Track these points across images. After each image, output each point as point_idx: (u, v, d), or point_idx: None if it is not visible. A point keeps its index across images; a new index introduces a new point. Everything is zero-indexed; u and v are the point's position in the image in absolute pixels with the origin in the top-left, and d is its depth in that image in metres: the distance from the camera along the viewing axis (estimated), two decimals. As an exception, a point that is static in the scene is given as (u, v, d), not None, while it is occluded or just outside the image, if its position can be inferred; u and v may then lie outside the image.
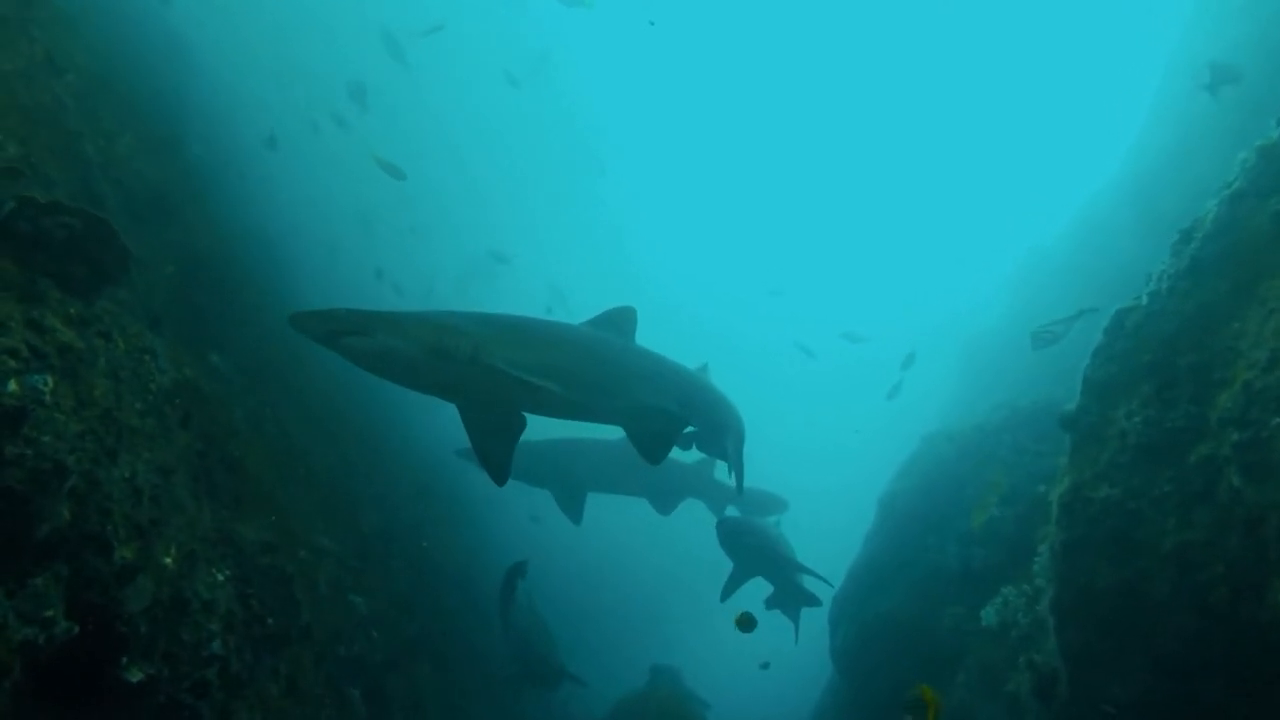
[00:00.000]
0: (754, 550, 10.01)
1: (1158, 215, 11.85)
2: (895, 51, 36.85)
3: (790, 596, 10.71)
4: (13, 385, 3.44)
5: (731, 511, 11.67)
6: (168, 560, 4.51)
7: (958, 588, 9.12)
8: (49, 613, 3.39)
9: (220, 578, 5.11)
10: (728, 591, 10.48)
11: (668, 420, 6.21)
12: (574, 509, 11.63)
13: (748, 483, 8.63)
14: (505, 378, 5.12)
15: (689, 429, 6.77)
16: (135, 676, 3.95)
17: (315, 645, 6.06)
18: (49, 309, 3.97)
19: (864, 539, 12.62)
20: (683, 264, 43.32)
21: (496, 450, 5.78)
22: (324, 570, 7.45)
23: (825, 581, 10.58)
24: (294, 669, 5.47)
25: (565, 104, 32.09)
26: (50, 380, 3.65)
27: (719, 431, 7.55)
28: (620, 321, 6.52)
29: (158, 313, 6.37)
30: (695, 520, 10.56)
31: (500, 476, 5.84)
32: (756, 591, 10.71)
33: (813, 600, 10.78)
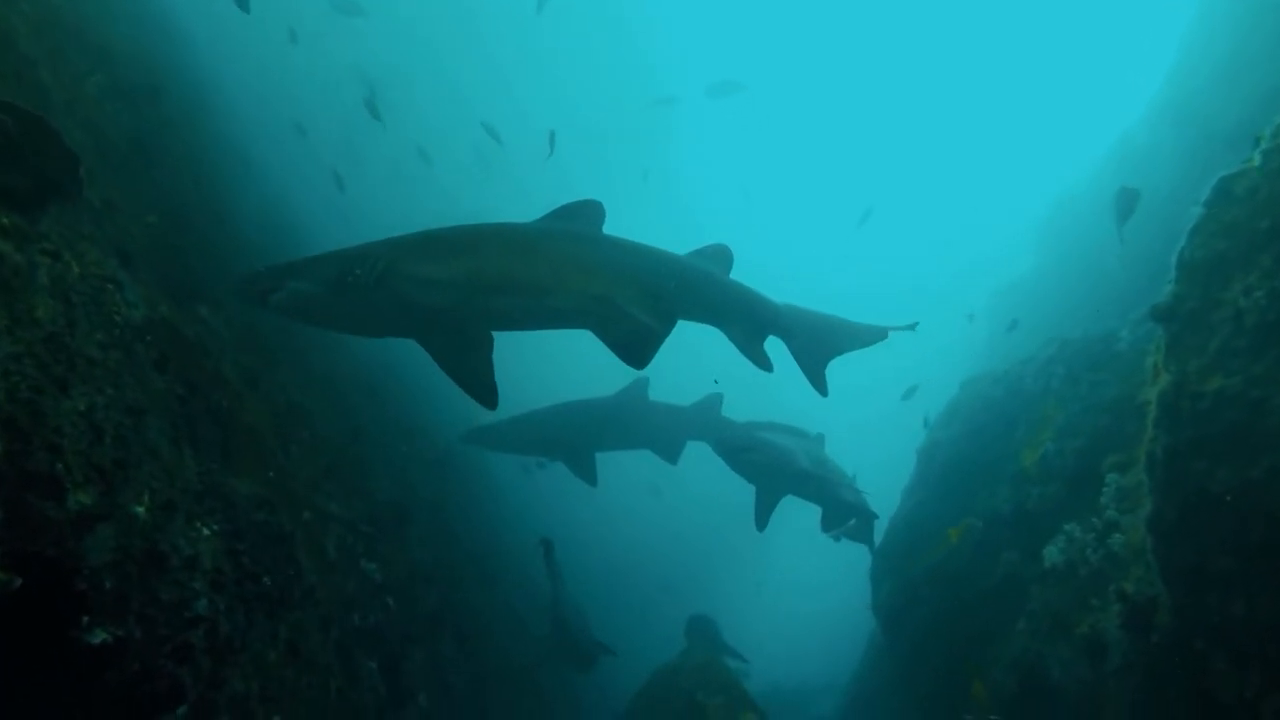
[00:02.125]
0: (763, 467, 9.11)
1: (1209, 135, 11.09)
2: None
3: (840, 514, 9.97)
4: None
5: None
6: (139, 509, 3.95)
7: (1011, 531, 8.51)
8: (-23, 558, 2.82)
9: (206, 532, 4.55)
10: (760, 518, 9.65)
11: (628, 322, 5.27)
12: (586, 472, 11.51)
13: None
14: (410, 295, 4.76)
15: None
16: (99, 638, 3.39)
17: (322, 609, 5.52)
18: (-26, 214, 3.38)
19: (903, 493, 12.05)
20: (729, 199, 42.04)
21: (473, 372, 5.31)
22: (332, 534, 6.91)
23: (862, 498, 9.93)
24: (295, 634, 4.92)
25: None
26: (-30, 288, 3.07)
27: (724, 322, 6.39)
28: (584, 214, 5.75)
29: (130, 252, 5.78)
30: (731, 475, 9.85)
31: (489, 398, 5.38)
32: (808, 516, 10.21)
33: (868, 515, 10.11)
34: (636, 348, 5.42)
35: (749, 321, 6.45)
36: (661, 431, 11.67)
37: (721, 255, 6.57)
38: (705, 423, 11.71)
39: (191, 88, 10.45)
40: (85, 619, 3.41)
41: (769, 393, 11.43)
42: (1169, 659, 4.48)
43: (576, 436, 11.51)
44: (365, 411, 10.69)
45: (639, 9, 32.29)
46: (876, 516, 10.41)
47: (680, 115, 30.68)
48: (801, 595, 30.04)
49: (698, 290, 6.15)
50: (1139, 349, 7.95)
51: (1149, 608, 4.61)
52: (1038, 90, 33.40)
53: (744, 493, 9.84)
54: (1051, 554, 7.15)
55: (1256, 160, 4.56)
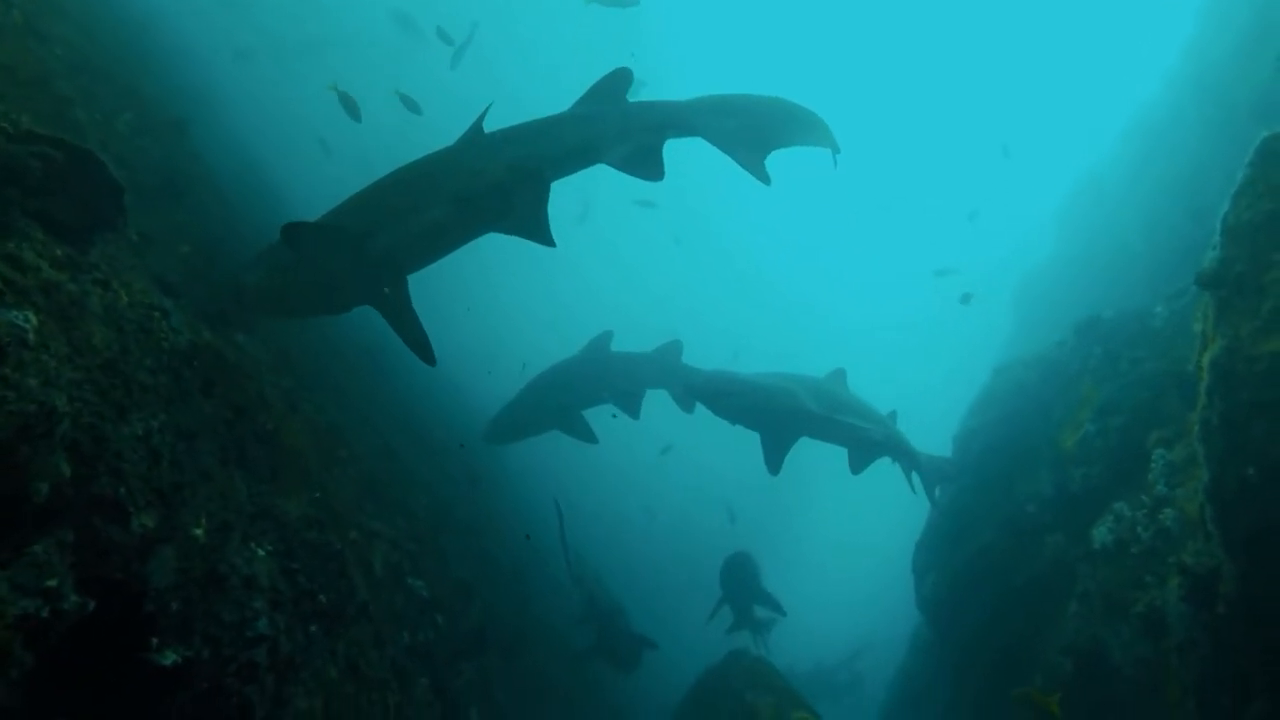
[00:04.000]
0: (749, 410, 8.52)
1: (1231, 105, 10.95)
2: None
3: (869, 453, 9.51)
4: (-15, 322, 2.92)
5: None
6: (198, 531, 4.00)
7: (1055, 514, 8.40)
8: (51, 583, 2.87)
9: (261, 552, 4.59)
10: (770, 462, 8.98)
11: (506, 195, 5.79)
12: (583, 432, 11.89)
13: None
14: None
15: None
16: (169, 660, 3.43)
17: (375, 626, 5.54)
18: (30, 246, 3.45)
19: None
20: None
21: (406, 325, 6.00)
22: (378, 551, 6.95)
23: (897, 435, 9.52)
24: (354, 650, 4.95)
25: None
26: (33, 318, 3.13)
27: (603, 153, 6.28)
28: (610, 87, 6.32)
29: (171, 281, 5.87)
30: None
31: (426, 354, 6.08)
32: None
33: (906, 454, 9.58)
34: (530, 220, 5.91)
35: (633, 135, 6.29)
36: (626, 380, 11.79)
37: (618, 80, 6.32)
38: (664, 370, 11.77)
39: (217, 117, 10.62)
40: (154, 640, 3.45)
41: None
42: (1237, 629, 4.40)
43: (566, 397, 11.78)
44: (395, 431, 10.77)
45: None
46: (916, 460, 9.77)
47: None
48: (845, 557, 29.88)
49: (560, 140, 6.23)
50: (1176, 323, 7.86)
51: (1211, 579, 4.53)
52: (1050, 72, 33.12)
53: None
54: (1100, 534, 7.06)
55: (1303, 121, 4.50)
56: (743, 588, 12.09)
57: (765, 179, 6.43)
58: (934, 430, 12.68)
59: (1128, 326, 8.47)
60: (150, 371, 4.15)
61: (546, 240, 6.01)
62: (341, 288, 6.05)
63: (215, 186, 8.74)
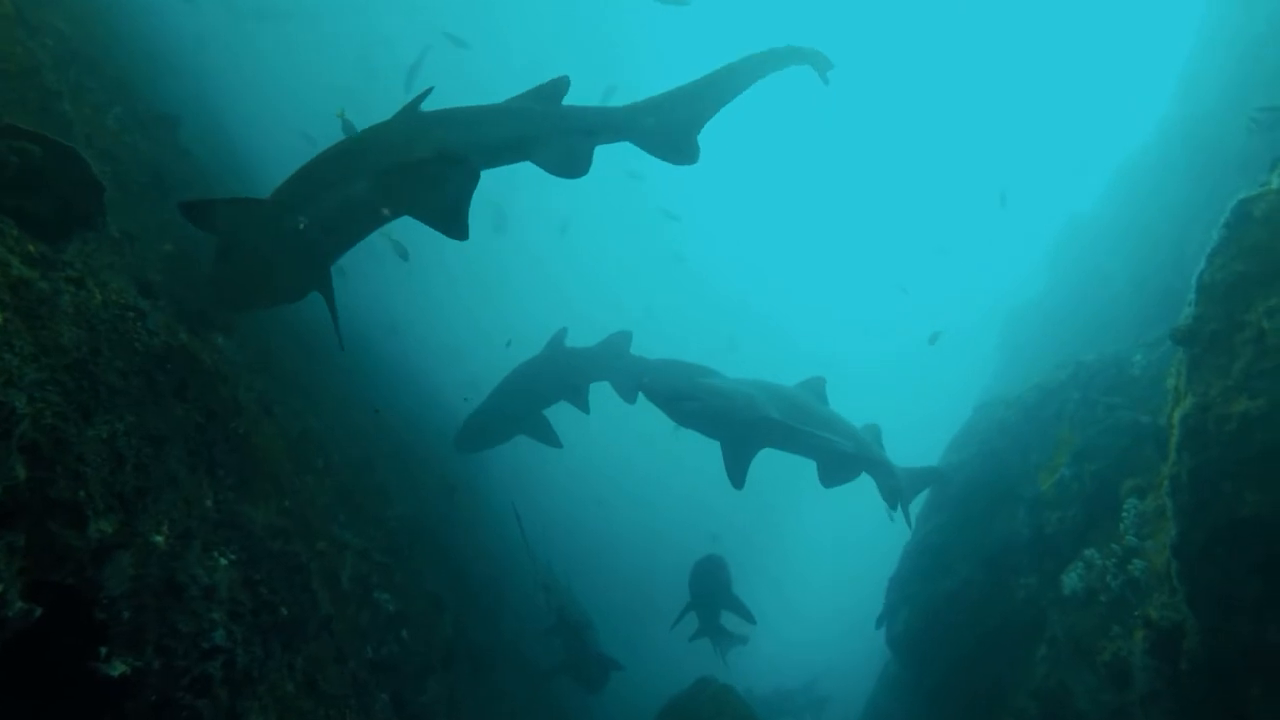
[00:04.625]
0: (707, 416, 7.94)
1: (1217, 152, 11.10)
2: (919, 26, 36.06)
3: (842, 467, 8.93)
4: (-51, 318, 2.87)
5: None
6: (158, 538, 3.93)
7: (1029, 557, 8.40)
8: (-1, 588, 2.80)
9: (224, 562, 4.52)
10: (732, 473, 8.49)
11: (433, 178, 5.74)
12: (548, 436, 12.06)
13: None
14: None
15: None
16: (117, 670, 3.35)
17: (337, 640, 5.46)
18: (1, 242, 3.40)
19: (917, 521, 11.93)
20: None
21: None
22: (346, 564, 6.87)
23: (869, 448, 9.03)
24: (312, 666, 4.87)
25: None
26: (-1, 316, 3.08)
27: (531, 151, 6.20)
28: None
29: (150, 281, 5.82)
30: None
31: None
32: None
33: (870, 459, 9.01)
34: (450, 209, 5.88)
35: (565, 137, 6.27)
36: (578, 376, 11.81)
37: (556, 86, 6.30)
38: (611, 362, 11.71)
39: (207, 114, 10.58)
40: (104, 650, 3.38)
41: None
42: (1199, 686, 4.40)
43: (527, 400, 11.83)
44: (375, 438, 10.69)
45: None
46: (893, 474, 9.27)
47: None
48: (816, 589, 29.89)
49: (494, 130, 6.18)
50: (1153, 372, 7.91)
51: (1175, 634, 4.53)
52: (1046, 112, 33.60)
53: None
54: (1071, 580, 7.06)
55: (1275, 182, 4.55)
56: (712, 593, 11.66)
57: (691, 160, 6.46)
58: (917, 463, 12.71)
59: (1106, 372, 8.52)
60: (121, 373, 4.09)
61: (460, 233, 5.91)
62: (279, 268, 6.06)
63: (203, 184, 8.68)
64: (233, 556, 4.65)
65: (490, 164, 6.14)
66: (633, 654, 14.72)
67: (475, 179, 5.89)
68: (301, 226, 5.57)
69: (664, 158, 6.53)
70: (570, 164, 6.24)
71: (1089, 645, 6.29)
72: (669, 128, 6.42)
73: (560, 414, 12.22)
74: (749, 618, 11.65)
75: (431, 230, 6.08)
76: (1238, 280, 4.39)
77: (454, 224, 5.91)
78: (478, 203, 5.96)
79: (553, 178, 6.35)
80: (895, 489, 9.60)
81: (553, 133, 6.25)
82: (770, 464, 9.35)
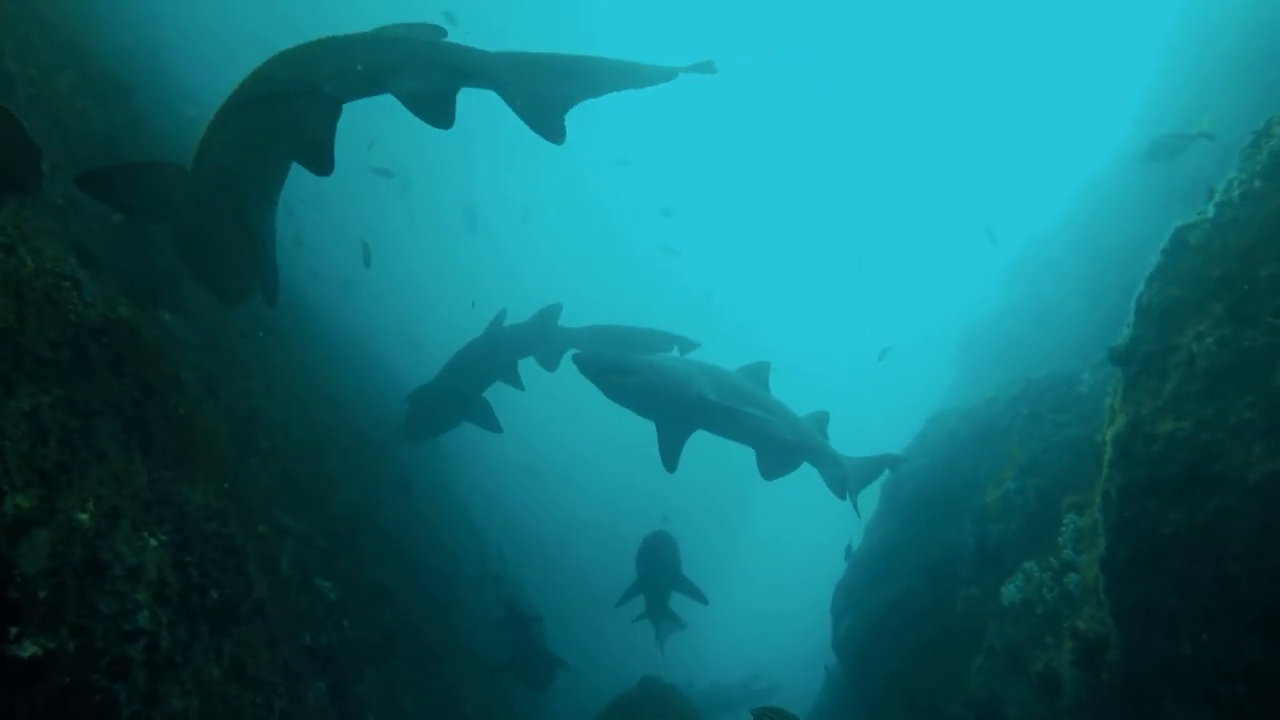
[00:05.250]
0: (639, 393, 7.46)
1: (1171, 184, 11.37)
2: (884, 49, 36.57)
3: (783, 456, 8.45)
4: None
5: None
6: (82, 516, 3.81)
7: (972, 568, 8.53)
8: (-100, 560, 2.69)
9: (153, 542, 4.40)
10: (665, 455, 8.10)
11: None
12: (488, 421, 12.10)
13: None
14: None
15: None
16: (27, 651, 3.24)
17: (271, 626, 5.35)
18: (-75, 202, 3.27)
19: (866, 529, 12.05)
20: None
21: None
22: (287, 549, 6.75)
23: (811, 439, 8.72)
24: (241, 650, 4.76)
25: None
26: (-84, 279, 2.95)
27: (391, 82, 5.84)
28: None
29: (92, 251, 5.65)
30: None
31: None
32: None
33: (814, 448, 8.56)
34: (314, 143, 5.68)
35: (427, 72, 5.91)
36: (510, 352, 11.77)
37: (431, 31, 6.03)
38: (540, 335, 11.53)
39: (165, 84, 10.32)
40: (14, 630, 3.27)
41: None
42: (1119, 697, 4.49)
43: (465, 382, 11.79)
44: (328, 424, 10.52)
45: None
46: (838, 463, 8.77)
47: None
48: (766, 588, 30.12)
49: (348, 57, 5.88)
50: (1099, 390, 8.06)
51: (1100, 646, 4.62)
52: (1009, 130, 34.18)
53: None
54: (1009, 592, 7.18)
55: (1210, 212, 4.67)
56: (660, 572, 11.27)
57: (557, 139, 6.11)
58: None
59: (1055, 390, 8.69)
60: (51, 344, 3.96)
61: (325, 167, 5.66)
62: (212, 231, 6.12)
63: (158, 154, 8.44)
64: (164, 537, 4.53)
65: (349, 95, 5.84)
66: (581, 653, 14.68)
67: (335, 110, 5.63)
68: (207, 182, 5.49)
69: (530, 125, 6.17)
70: (434, 105, 5.83)
71: (1023, 656, 6.40)
72: (539, 97, 6.08)
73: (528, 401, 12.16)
74: (700, 597, 11.29)
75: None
76: (1173, 304, 4.50)
77: (318, 158, 5.64)
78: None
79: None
80: (840, 479, 9.04)
81: (414, 65, 5.87)
82: (720, 459, 9.26)
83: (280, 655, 5.39)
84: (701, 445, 8.71)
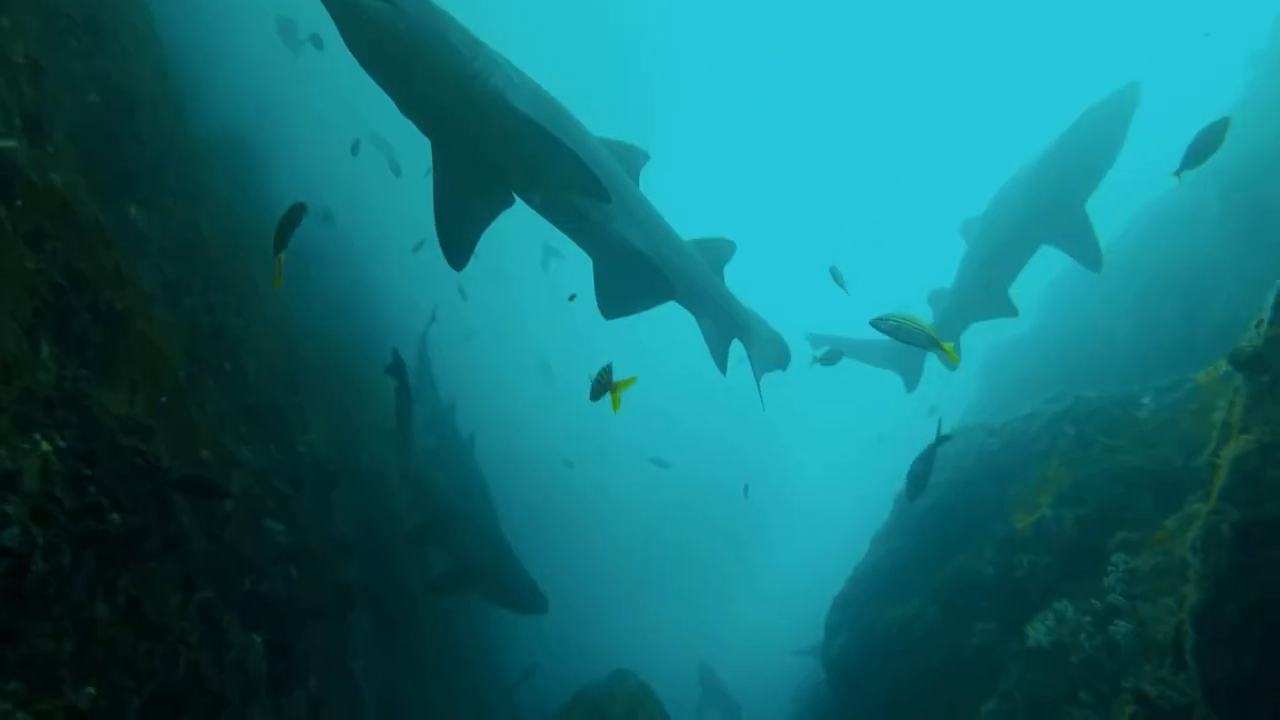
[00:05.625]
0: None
1: (1266, 206, 10.38)
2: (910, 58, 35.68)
3: (629, 271, 5.71)
4: None
5: None
6: (-59, 400, 3.08)
7: (992, 600, 7.72)
8: None
9: (46, 447, 3.68)
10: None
11: None
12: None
13: None
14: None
15: None
16: None
17: (189, 564, 4.62)
18: None
19: (873, 539, 11.27)
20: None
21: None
22: (234, 482, 6.01)
23: None
24: (141, 589, 4.03)
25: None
26: None
27: None
28: None
29: (45, 123, 4.90)
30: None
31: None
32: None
33: (699, 293, 6.40)
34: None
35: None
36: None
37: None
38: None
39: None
40: None
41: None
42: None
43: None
44: (312, 360, 9.79)
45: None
46: (731, 317, 6.73)
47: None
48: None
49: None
50: (1163, 418, 7.21)
51: (1179, 718, 3.81)
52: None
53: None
54: (1037, 633, 6.37)
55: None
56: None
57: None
58: (883, 484, 12.05)
59: (1108, 411, 7.82)
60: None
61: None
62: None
63: (151, 45, 7.71)
64: (63, 444, 3.80)
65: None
66: (580, 651, 14.24)
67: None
68: None
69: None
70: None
71: (1051, 710, 5.59)
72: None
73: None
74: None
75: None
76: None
77: None
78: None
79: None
80: (721, 338, 6.69)
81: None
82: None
83: (196, 600, 4.66)
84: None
